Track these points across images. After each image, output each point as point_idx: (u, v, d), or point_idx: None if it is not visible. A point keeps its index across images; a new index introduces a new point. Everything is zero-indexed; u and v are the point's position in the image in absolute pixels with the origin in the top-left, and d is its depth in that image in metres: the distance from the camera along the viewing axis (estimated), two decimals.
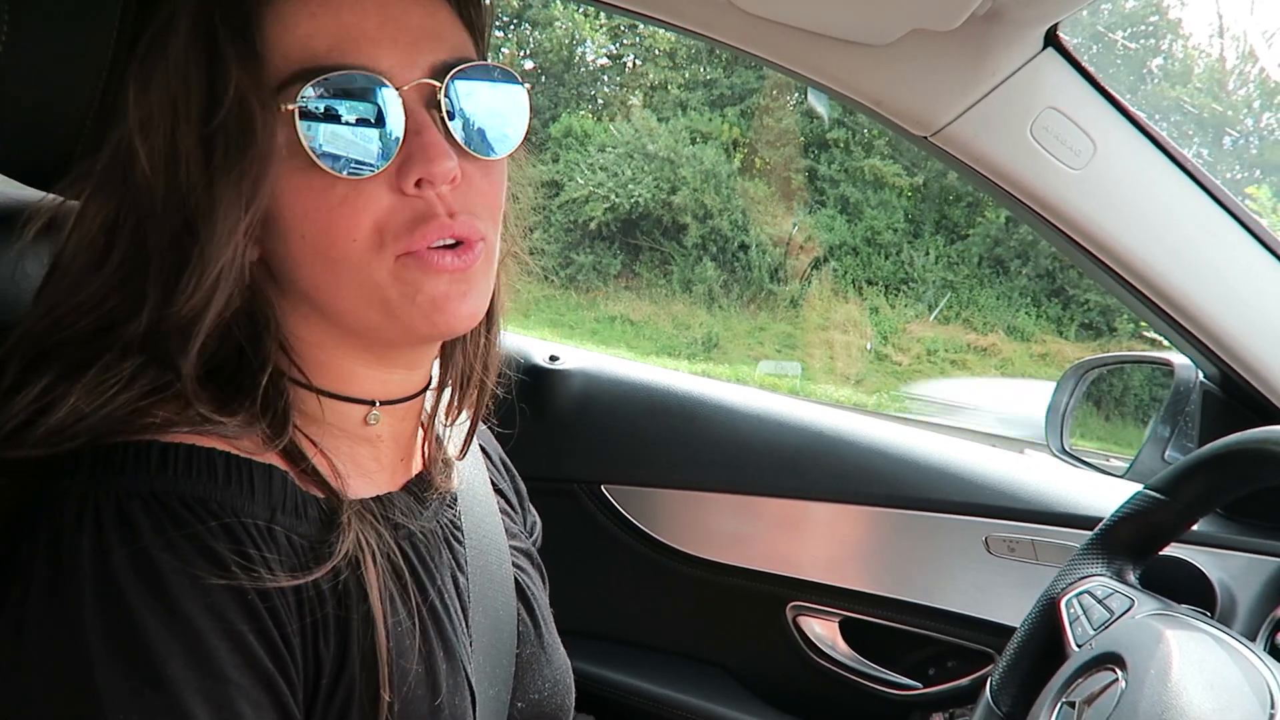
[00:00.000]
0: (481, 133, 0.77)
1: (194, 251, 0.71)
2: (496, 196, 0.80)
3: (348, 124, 0.71)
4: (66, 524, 0.65)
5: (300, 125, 0.70)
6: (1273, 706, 0.76)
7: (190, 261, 0.71)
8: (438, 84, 0.73)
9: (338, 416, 0.81)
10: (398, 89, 0.72)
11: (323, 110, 0.70)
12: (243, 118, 0.70)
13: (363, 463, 0.82)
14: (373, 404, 0.83)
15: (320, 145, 0.71)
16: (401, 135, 0.72)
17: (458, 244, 0.75)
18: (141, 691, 0.61)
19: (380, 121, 0.72)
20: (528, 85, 0.81)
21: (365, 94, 0.71)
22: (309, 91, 0.70)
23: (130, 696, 0.61)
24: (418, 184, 0.72)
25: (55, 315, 0.73)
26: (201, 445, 0.71)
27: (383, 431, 0.84)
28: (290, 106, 0.70)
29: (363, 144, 0.71)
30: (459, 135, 0.75)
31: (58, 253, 0.75)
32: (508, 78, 0.79)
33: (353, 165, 0.71)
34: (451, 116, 0.74)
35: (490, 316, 0.89)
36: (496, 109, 0.78)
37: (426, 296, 0.74)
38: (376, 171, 0.71)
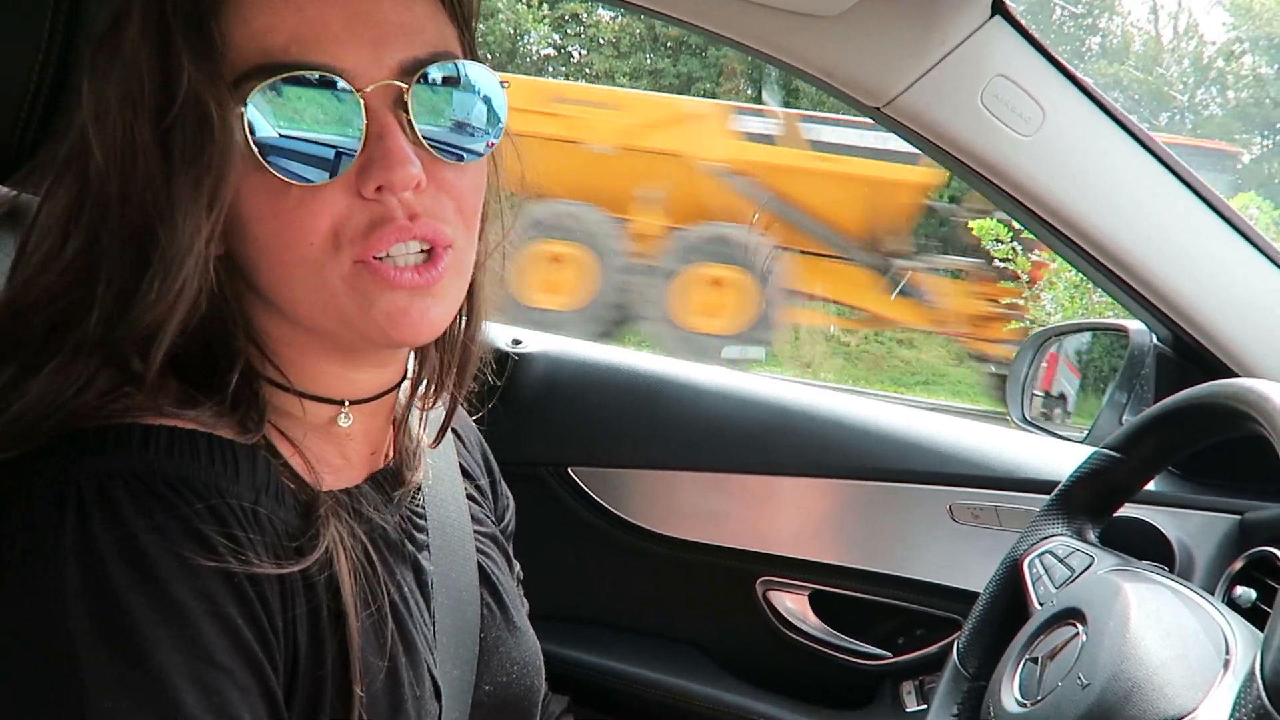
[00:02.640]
0: (452, 135, 0.73)
1: (154, 256, 0.67)
2: (470, 199, 0.76)
3: (302, 127, 0.67)
4: (47, 506, 0.63)
5: (251, 127, 0.67)
6: (1228, 653, 0.77)
7: (151, 265, 0.67)
8: (404, 85, 0.70)
9: (309, 414, 0.79)
10: (359, 90, 0.68)
11: (275, 112, 0.67)
12: (199, 115, 0.66)
13: (330, 459, 0.81)
14: (343, 403, 0.81)
15: (271, 149, 0.67)
16: (361, 140, 0.68)
17: (425, 253, 0.71)
18: (128, 675, 0.60)
19: (338, 126, 0.68)
20: (507, 83, 0.77)
21: (323, 95, 0.67)
22: (261, 92, 0.67)
23: (116, 680, 0.60)
24: (378, 189, 0.69)
25: (14, 308, 0.71)
26: (184, 427, 0.69)
27: (354, 430, 0.83)
28: (241, 108, 0.67)
29: (318, 149, 0.68)
30: (426, 139, 0.71)
31: (21, 242, 0.72)
32: (484, 75, 0.75)
33: (307, 171, 0.68)
34: (419, 119, 0.70)
35: (470, 315, 0.86)
36: (470, 109, 0.74)
37: (382, 311, 0.71)
38: (332, 179, 0.68)
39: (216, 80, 0.67)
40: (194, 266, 0.68)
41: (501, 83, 0.78)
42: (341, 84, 0.68)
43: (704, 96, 18.66)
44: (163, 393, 0.71)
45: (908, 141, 1.29)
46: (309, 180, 0.68)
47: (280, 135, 0.67)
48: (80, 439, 0.67)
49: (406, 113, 0.70)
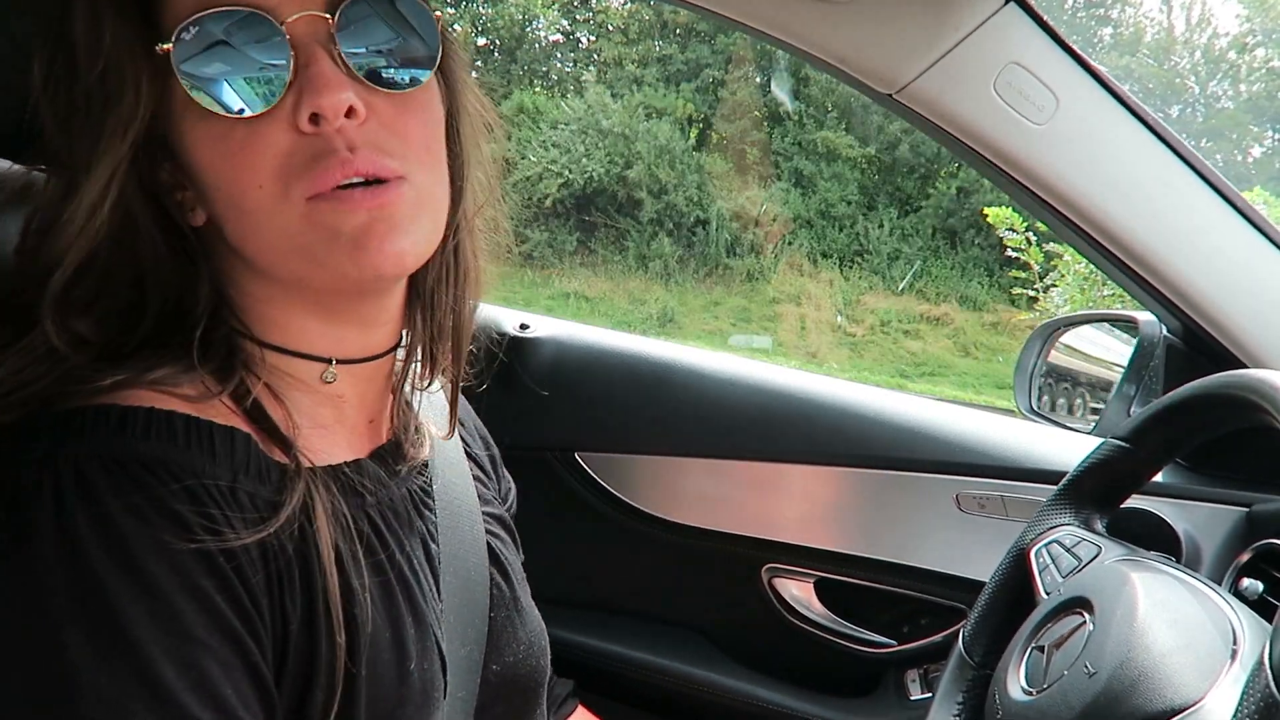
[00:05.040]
0: (384, 63, 0.74)
1: (65, 208, 0.71)
2: (417, 132, 0.76)
3: (229, 63, 0.70)
4: (26, 488, 0.64)
5: (179, 67, 0.70)
6: (1235, 642, 0.77)
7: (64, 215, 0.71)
8: (329, 16, 0.71)
9: (295, 373, 0.80)
10: (282, 22, 0.70)
11: (201, 51, 0.70)
12: (118, 66, 0.70)
13: (325, 421, 0.81)
14: (329, 361, 0.81)
15: (201, 86, 0.70)
16: (290, 71, 0.70)
17: (371, 183, 0.72)
18: (108, 653, 0.61)
19: (264, 58, 0.70)
20: (437, 13, 0.78)
21: (246, 31, 0.70)
22: (186, 32, 0.69)
23: (96, 659, 0.60)
24: (314, 120, 0.70)
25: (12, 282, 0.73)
26: (161, 408, 0.70)
27: (344, 391, 0.83)
28: (166, 46, 0.69)
29: (248, 83, 0.70)
30: (358, 67, 0.72)
31: (25, 220, 0.75)
32: (414, 4, 0.76)
33: (240, 104, 0.70)
34: (346, 47, 0.72)
35: (455, 279, 0.87)
36: (401, 36, 0.75)
37: (347, 236, 0.72)
38: (267, 108, 0.70)
39: (139, 33, 0.70)
40: (91, 213, 0.70)
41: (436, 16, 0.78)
42: (263, 16, 0.70)
43: (713, 84, 18.64)
44: (138, 357, 0.73)
45: (920, 129, 1.28)
46: (242, 111, 0.70)
47: (210, 73, 0.70)
48: (62, 421, 0.68)
49: (334, 43, 0.72)
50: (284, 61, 0.70)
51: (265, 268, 0.76)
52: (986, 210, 8.25)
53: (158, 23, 0.71)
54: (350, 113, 0.71)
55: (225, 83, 0.70)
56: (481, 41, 19.81)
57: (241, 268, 0.78)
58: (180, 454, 0.69)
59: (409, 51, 0.76)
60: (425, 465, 0.91)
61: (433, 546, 0.87)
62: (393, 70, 0.74)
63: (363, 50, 0.73)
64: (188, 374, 0.74)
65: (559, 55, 20.86)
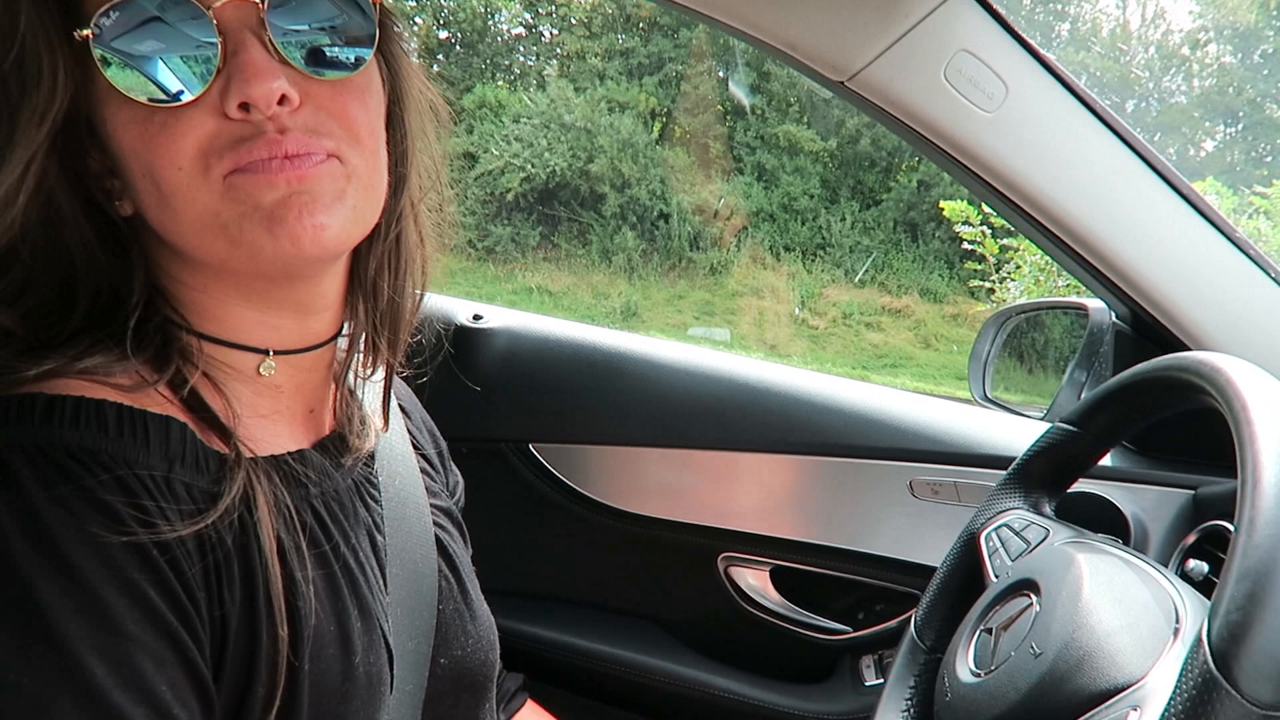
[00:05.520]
0: (319, 48, 0.71)
1: None
2: (356, 116, 0.74)
3: (151, 50, 0.67)
4: None
5: (97, 54, 0.67)
6: (1177, 621, 0.78)
7: None
8: (259, 0, 0.68)
9: (232, 364, 0.78)
10: (209, 7, 0.67)
11: (122, 35, 0.67)
12: (34, 52, 0.67)
13: (264, 411, 0.80)
14: (266, 353, 0.79)
15: (120, 74, 0.67)
16: (218, 58, 0.67)
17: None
18: (32, 650, 0.59)
19: (189, 45, 0.67)
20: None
21: (170, 16, 0.67)
22: (106, 18, 0.66)
23: (20, 656, 0.59)
24: (243, 107, 0.67)
25: None
26: (91, 397, 0.68)
27: (282, 382, 0.81)
28: (84, 32, 0.66)
29: (171, 70, 0.67)
30: (291, 54, 0.69)
31: None
32: None
33: (163, 93, 0.67)
34: (277, 32, 0.69)
35: (397, 267, 0.85)
36: (336, 20, 0.72)
37: (264, 211, 0.69)
38: (192, 97, 0.67)
39: (55, 16, 0.67)
40: (12, 191, 0.68)
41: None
42: (190, 1, 0.67)
43: (675, 77, 18.65)
44: (69, 347, 0.71)
45: (872, 117, 1.28)
46: (164, 99, 0.67)
47: (131, 60, 0.67)
48: None
49: (265, 29, 0.69)
50: (213, 50, 0.67)
51: (189, 252, 0.74)
52: (943, 204, 8.34)
53: (77, 8, 0.68)
54: (283, 100, 0.68)
55: (147, 70, 0.67)
56: (443, 35, 19.65)
57: (173, 257, 0.76)
58: (111, 443, 0.66)
59: (345, 32, 0.73)
60: (371, 457, 0.90)
61: (379, 539, 0.86)
62: (329, 52, 0.72)
63: (296, 32, 0.70)
64: (121, 363, 0.72)
65: (521, 49, 20.75)
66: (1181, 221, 1.26)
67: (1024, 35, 1.21)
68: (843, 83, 1.22)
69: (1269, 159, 21.04)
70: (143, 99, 0.67)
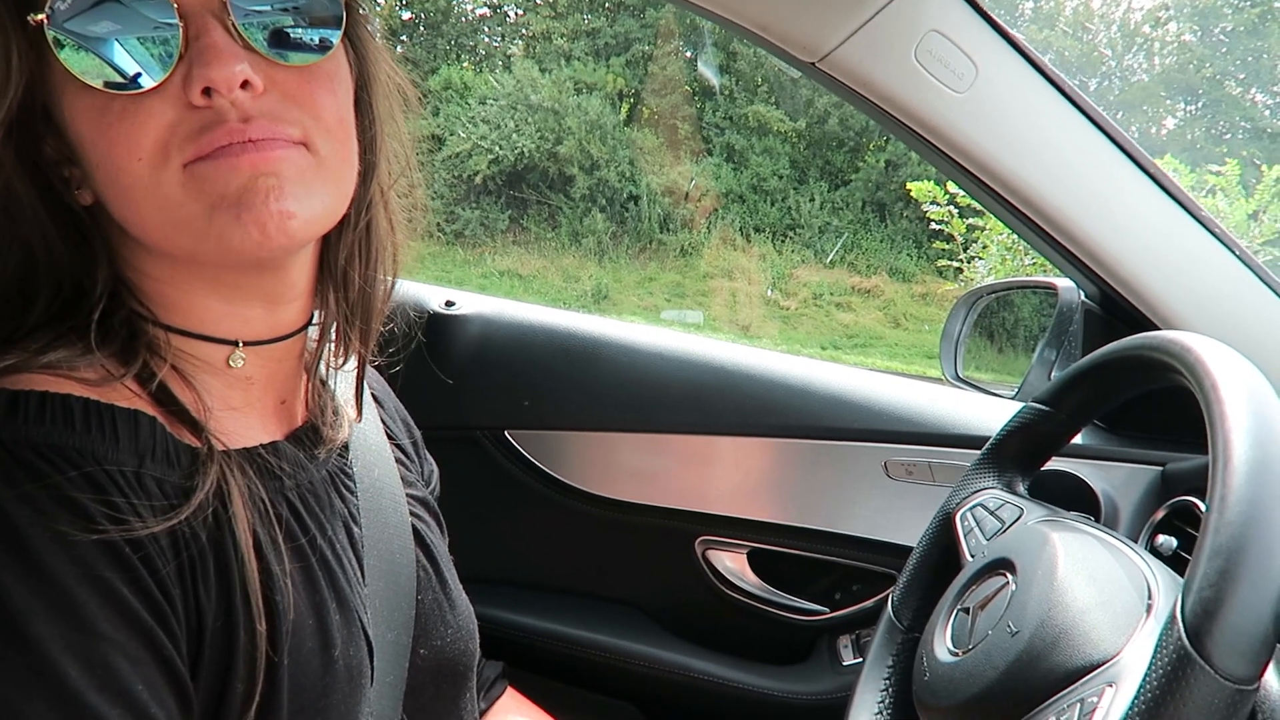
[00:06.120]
0: (283, 30, 0.69)
1: None
2: (324, 103, 0.72)
3: (106, 31, 0.65)
4: None
5: (50, 36, 0.65)
6: (1150, 597, 0.79)
7: None
8: None
9: (201, 356, 0.77)
10: None
11: (77, 16, 0.65)
12: None
13: (235, 404, 0.78)
14: (235, 344, 0.78)
15: (75, 57, 0.65)
16: (179, 44, 0.66)
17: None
18: (3, 653, 0.58)
19: (146, 26, 0.65)
20: None
21: (127, 1, 0.65)
22: (61, 2, 0.64)
23: None
24: (206, 93, 0.66)
25: None
26: (57, 391, 0.66)
27: (252, 373, 0.80)
28: (38, 17, 0.65)
29: (128, 52, 0.65)
30: (254, 36, 0.68)
31: None
32: None
33: (120, 76, 0.65)
34: (240, 15, 0.67)
35: (368, 255, 0.83)
36: (302, 3, 0.71)
37: (230, 199, 0.67)
38: (154, 84, 0.65)
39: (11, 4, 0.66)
40: None
41: None
42: None
43: (642, 58, 18.56)
44: (30, 341, 0.69)
45: (843, 98, 1.28)
46: (121, 82, 0.66)
47: (86, 42, 0.65)
48: None
49: (228, 13, 0.67)
50: (174, 35, 0.66)
51: (153, 243, 0.72)
52: (910, 185, 8.38)
53: None
54: (246, 86, 0.66)
55: (102, 52, 0.65)
56: (406, 15, 19.42)
57: (137, 247, 0.74)
58: (78, 439, 0.65)
59: (309, 13, 0.71)
60: (345, 448, 0.89)
61: (355, 530, 0.85)
62: (293, 34, 0.70)
63: (258, 13, 0.68)
64: (86, 357, 0.70)
65: (486, 29, 20.56)
66: (1148, 201, 1.28)
67: (993, 16, 1.21)
68: (813, 64, 1.22)
69: (1228, 136, 21.34)
70: (98, 83, 0.65)
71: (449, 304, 1.64)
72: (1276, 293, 1.28)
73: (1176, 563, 1.05)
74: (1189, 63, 21.88)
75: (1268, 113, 21.36)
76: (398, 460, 0.98)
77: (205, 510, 0.69)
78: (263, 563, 0.72)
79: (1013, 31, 1.21)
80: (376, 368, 1.01)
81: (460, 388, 1.59)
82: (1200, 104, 22.21)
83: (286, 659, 0.72)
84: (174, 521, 0.66)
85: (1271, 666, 0.71)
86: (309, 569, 0.77)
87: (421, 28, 19.60)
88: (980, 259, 8.70)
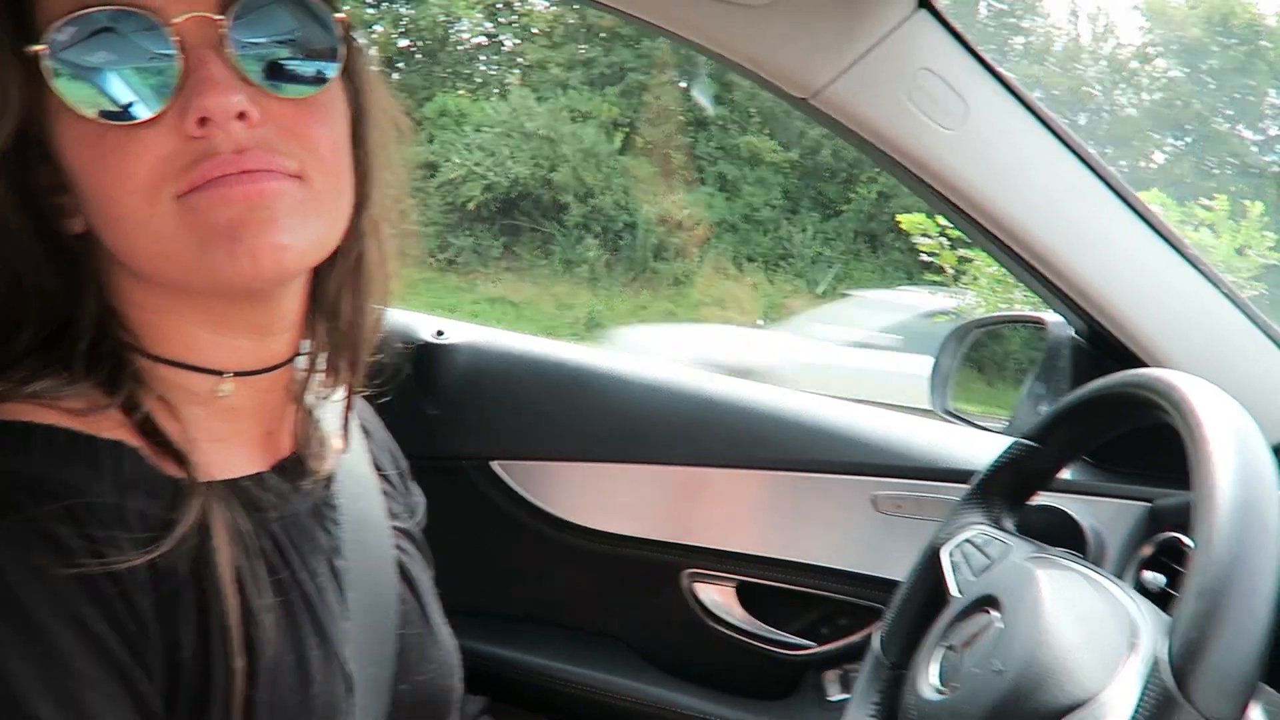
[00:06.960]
0: (279, 63, 0.70)
1: None
2: (319, 136, 0.72)
3: (102, 61, 0.65)
4: None
5: (48, 69, 0.65)
6: (1135, 636, 0.79)
7: None
8: (219, 16, 0.67)
9: (188, 386, 0.76)
10: (166, 25, 0.65)
11: (74, 52, 0.65)
12: None
13: (220, 434, 0.78)
14: (222, 374, 0.78)
15: (70, 86, 0.65)
16: (177, 76, 0.66)
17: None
18: None
19: (146, 63, 0.66)
20: (344, 12, 0.74)
21: (126, 33, 0.65)
22: (60, 33, 0.65)
23: None
24: (202, 124, 0.66)
25: None
26: (39, 422, 0.66)
27: (239, 403, 0.80)
28: (37, 48, 0.65)
29: (127, 88, 0.65)
30: (250, 68, 0.68)
31: None
32: (312, 1, 0.72)
33: (115, 105, 0.65)
34: (241, 45, 0.68)
35: (359, 286, 0.83)
36: (299, 36, 0.71)
37: (221, 230, 0.67)
38: (151, 115, 0.66)
39: (8, 25, 0.66)
40: None
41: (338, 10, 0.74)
42: (145, 16, 0.65)
43: (637, 87, 18.70)
44: (16, 370, 0.69)
45: (835, 134, 1.29)
46: (116, 112, 0.66)
47: (84, 77, 0.66)
48: None
49: (226, 45, 0.67)
50: (172, 68, 0.66)
51: (144, 273, 0.72)
52: (901, 218, 8.45)
53: (30, 22, 0.66)
54: (242, 117, 0.66)
55: (98, 81, 0.66)
56: (403, 43, 19.54)
57: (127, 277, 0.74)
58: (60, 470, 0.65)
59: (306, 46, 0.71)
60: (330, 479, 0.88)
61: (338, 563, 0.84)
62: (289, 66, 0.70)
63: (255, 45, 0.69)
64: (71, 386, 0.70)
65: (482, 58, 20.70)
66: (1136, 238, 1.29)
67: (983, 54, 1.22)
68: (806, 100, 1.23)
69: (1216, 171, 21.55)
70: (94, 114, 0.66)
71: (439, 333, 1.64)
72: (1262, 329, 1.29)
73: (1164, 600, 1.05)
74: (1176, 98, 22.14)
75: (1255, 149, 21.60)
76: (384, 492, 0.97)
77: (187, 543, 0.68)
78: (243, 597, 0.71)
79: (1003, 70, 1.23)
80: (365, 397, 1.01)
81: (448, 418, 1.59)
82: (1188, 140, 22.45)
83: (264, 695, 0.71)
84: (155, 554, 0.66)
85: (1252, 704, 0.71)
86: (289, 604, 0.76)
87: (418, 55, 19.72)
88: (971, 290, 8.75)
